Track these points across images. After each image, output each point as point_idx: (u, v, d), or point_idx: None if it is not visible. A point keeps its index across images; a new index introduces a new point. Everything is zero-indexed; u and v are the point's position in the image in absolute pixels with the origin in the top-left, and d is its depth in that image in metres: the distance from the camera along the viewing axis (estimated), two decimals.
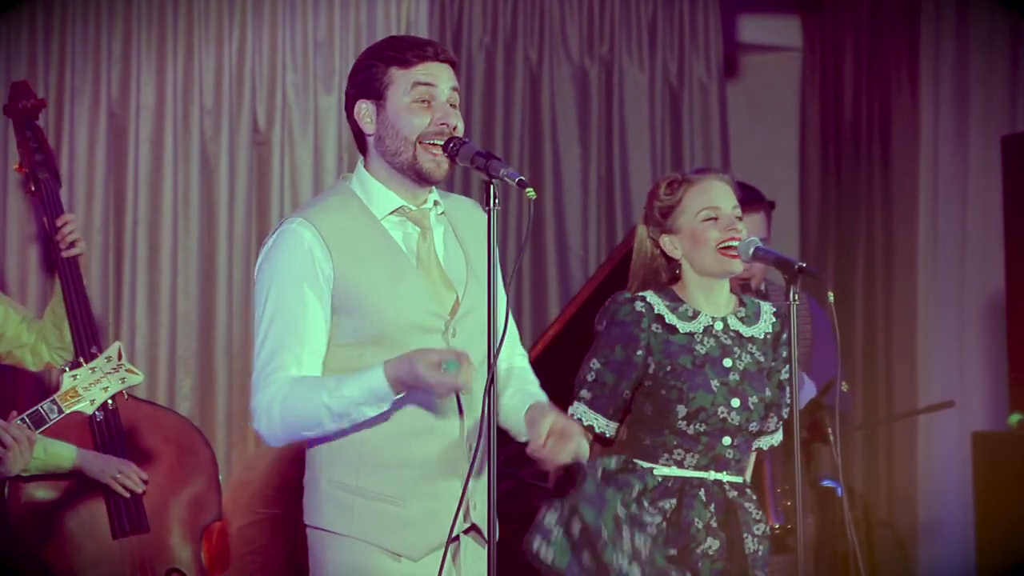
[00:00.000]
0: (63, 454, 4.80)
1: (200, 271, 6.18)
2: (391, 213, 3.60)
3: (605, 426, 4.03)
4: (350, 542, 3.54)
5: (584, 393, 4.03)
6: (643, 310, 3.98)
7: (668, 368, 3.96)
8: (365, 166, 3.64)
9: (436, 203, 3.67)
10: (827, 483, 6.31)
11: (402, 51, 3.57)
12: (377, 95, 3.58)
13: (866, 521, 6.98)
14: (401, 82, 3.55)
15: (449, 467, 3.54)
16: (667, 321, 3.99)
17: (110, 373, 4.03)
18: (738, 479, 4.06)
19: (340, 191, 3.66)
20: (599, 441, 4.07)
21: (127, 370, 4.05)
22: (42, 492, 4.89)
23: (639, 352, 3.97)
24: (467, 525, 3.58)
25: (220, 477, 5.26)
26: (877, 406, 7.64)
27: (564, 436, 3.50)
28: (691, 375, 3.96)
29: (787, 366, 4.07)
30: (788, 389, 4.05)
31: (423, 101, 3.54)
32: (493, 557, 3.34)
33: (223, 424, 6.13)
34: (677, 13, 7.37)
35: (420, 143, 3.54)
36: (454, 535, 3.52)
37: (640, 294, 4.02)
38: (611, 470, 3.97)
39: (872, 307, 7.70)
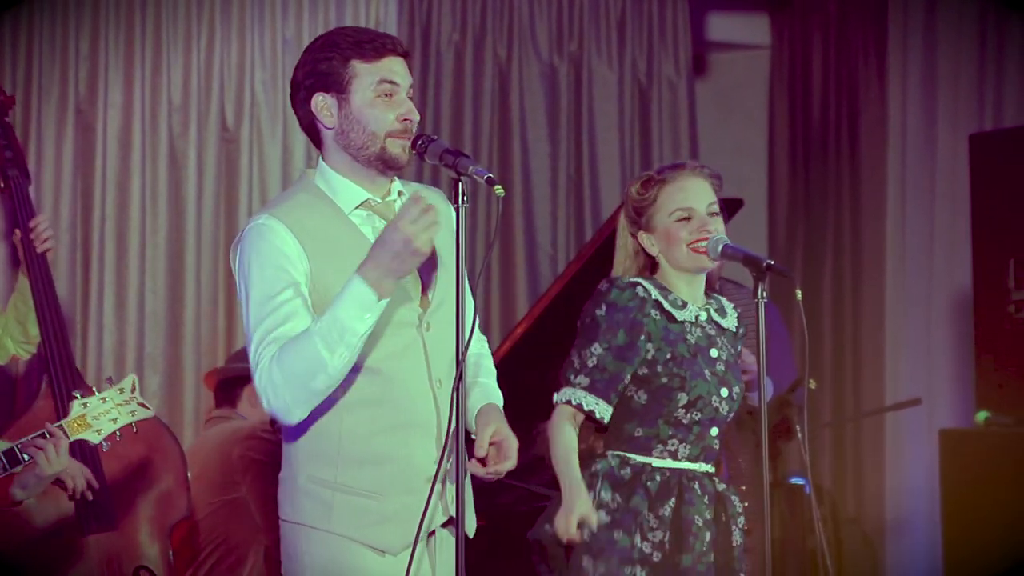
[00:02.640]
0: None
1: (168, 269, 6.17)
2: (357, 207, 3.58)
3: (605, 411, 3.95)
4: (329, 536, 3.53)
5: (581, 379, 3.93)
6: (645, 296, 3.94)
7: (668, 356, 3.93)
8: (326, 160, 3.62)
9: (400, 194, 3.65)
10: (795, 480, 6.33)
11: (362, 44, 3.54)
12: (339, 89, 3.54)
13: (833, 518, 7.01)
14: (365, 77, 3.53)
15: (427, 462, 3.53)
16: (665, 308, 3.96)
17: (121, 405, 4.00)
18: (712, 469, 4.08)
19: (304, 187, 3.63)
20: (593, 423, 3.98)
21: (139, 404, 4.02)
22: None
23: (642, 338, 3.92)
24: (444, 518, 3.58)
25: (189, 475, 5.24)
26: (845, 403, 7.66)
27: (502, 451, 3.54)
28: (690, 364, 3.94)
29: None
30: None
31: (387, 96, 3.53)
32: (461, 551, 3.35)
33: (191, 422, 6.11)
34: (646, 11, 7.39)
35: (388, 137, 3.53)
36: (431, 528, 3.54)
37: (635, 280, 3.97)
38: (621, 478, 3.99)
39: (840, 304, 7.73)
